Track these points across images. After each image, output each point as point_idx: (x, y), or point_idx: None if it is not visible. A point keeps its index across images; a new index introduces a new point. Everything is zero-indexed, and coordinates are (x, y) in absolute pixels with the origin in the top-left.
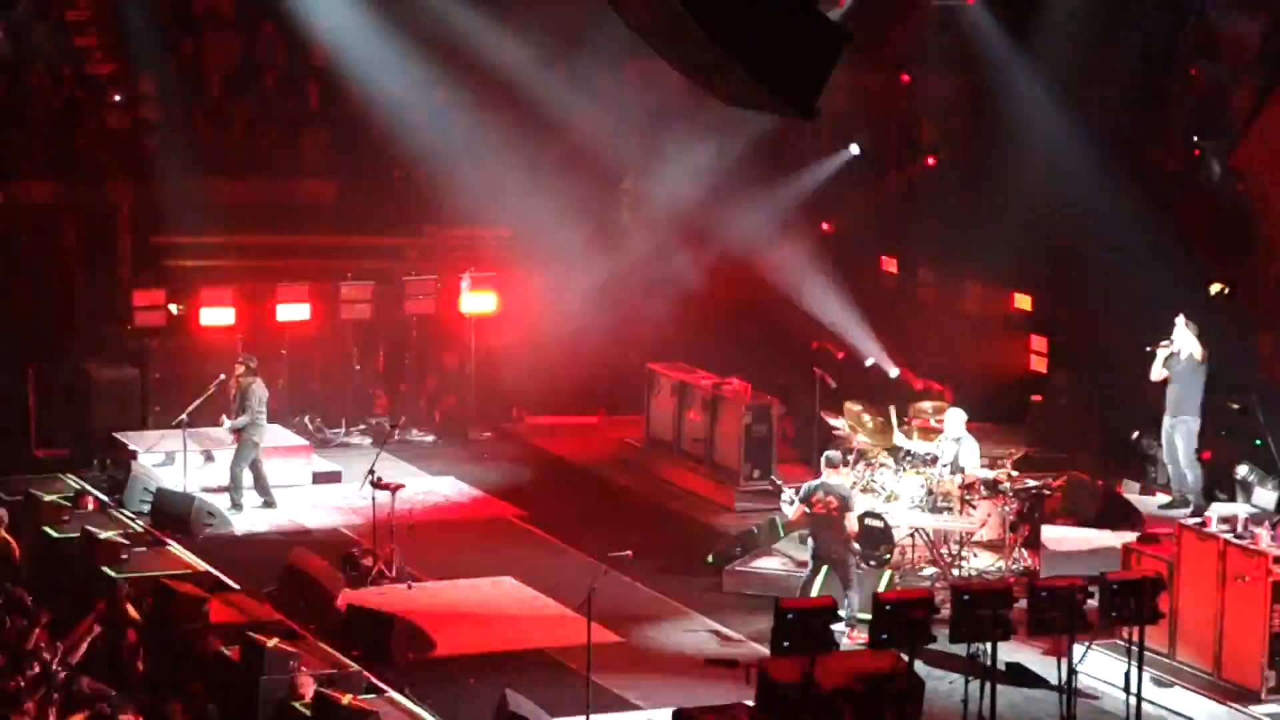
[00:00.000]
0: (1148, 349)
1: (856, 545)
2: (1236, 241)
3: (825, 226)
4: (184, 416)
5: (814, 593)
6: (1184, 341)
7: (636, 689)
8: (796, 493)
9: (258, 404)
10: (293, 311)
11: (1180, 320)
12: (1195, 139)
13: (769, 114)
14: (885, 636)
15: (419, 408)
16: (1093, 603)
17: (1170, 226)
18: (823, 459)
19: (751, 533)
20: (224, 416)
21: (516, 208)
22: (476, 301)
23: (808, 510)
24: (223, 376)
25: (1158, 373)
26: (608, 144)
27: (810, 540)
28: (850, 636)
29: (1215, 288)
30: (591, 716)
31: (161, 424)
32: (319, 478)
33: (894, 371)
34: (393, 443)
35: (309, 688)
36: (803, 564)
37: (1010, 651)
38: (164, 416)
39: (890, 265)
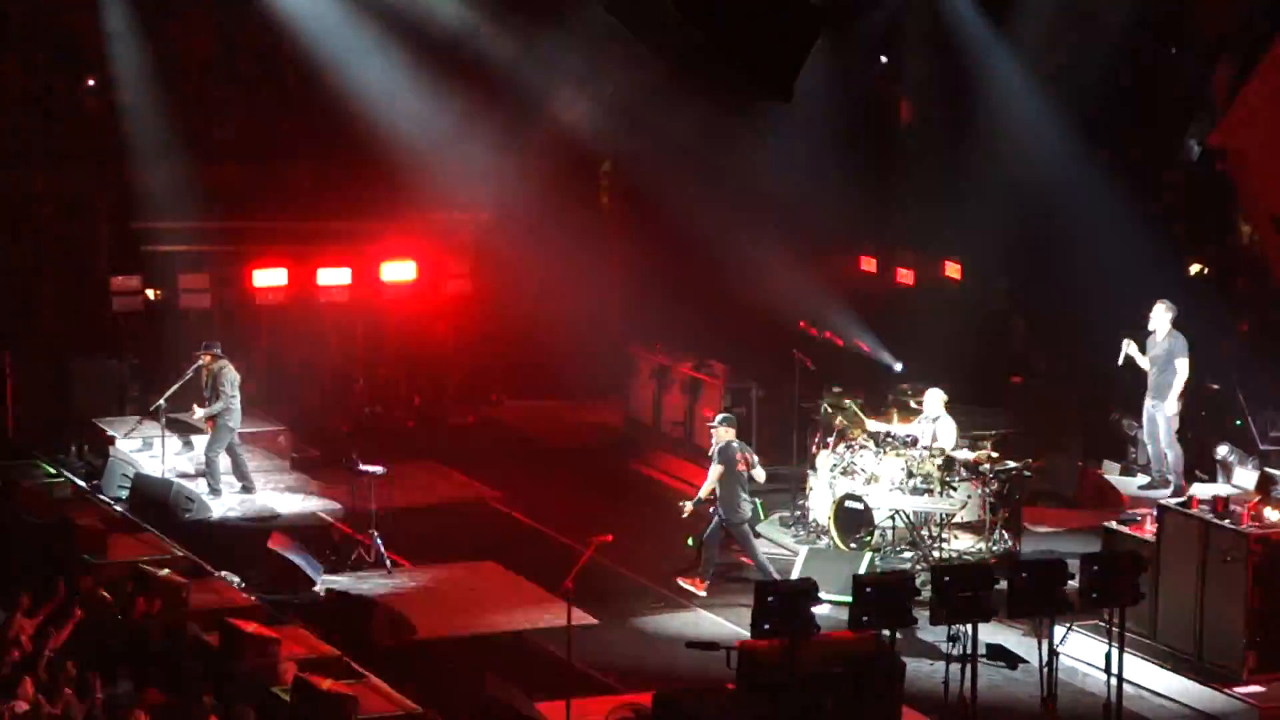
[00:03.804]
0: (1126, 343)
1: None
2: (1216, 221)
3: (803, 209)
4: (161, 402)
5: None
6: (1161, 325)
7: (617, 671)
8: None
9: (230, 388)
10: (270, 295)
11: (1159, 307)
12: (1174, 119)
13: (747, 96)
14: (866, 618)
15: (397, 393)
16: (1073, 584)
17: (1150, 207)
18: (720, 419)
19: None
20: (195, 406)
21: (495, 190)
22: (454, 285)
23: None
24: (199, 363)
25: (1147, 364)
26: (586, 126)
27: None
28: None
29: (1196, 268)
30: (572, 699)
31: (139, 410)
32: (298, 462)
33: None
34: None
35: (289, 673)
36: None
37: (991, 633)
38: (142, 402)
39: (868, 248)
